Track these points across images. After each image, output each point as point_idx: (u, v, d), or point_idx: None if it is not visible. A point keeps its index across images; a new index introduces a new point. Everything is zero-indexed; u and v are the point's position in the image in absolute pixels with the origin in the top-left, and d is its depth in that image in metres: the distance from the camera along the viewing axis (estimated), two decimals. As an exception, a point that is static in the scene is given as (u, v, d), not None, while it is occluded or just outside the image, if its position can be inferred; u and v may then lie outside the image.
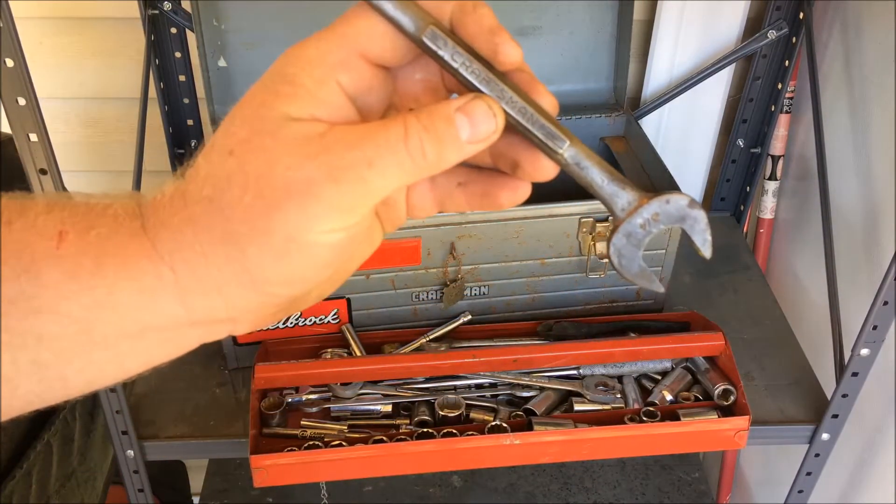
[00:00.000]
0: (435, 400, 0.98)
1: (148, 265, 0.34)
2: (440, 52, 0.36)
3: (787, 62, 1.21)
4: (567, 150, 0.38)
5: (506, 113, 0.37)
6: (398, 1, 0.36)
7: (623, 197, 0.40)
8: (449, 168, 0.37)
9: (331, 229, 0.34)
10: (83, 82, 1.29)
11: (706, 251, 0.41)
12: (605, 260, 1.02)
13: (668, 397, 0.99)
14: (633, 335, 1.04)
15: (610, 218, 0.42)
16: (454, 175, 0.41)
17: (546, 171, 0.39)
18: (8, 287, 0.33)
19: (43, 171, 0.79)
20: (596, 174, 0.39)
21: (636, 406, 0.98)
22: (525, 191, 0.40)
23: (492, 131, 0.36)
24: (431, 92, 0.40)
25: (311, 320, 1.02)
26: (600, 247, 1.01)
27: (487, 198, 0.40)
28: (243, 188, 0.34)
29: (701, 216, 0.41)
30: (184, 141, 1.26)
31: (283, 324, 1.02)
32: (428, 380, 1.00)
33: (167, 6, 1.13)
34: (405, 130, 0.35)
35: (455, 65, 0.36)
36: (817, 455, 1.02)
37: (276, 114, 0.35)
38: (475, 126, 0.35)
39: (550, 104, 0.38)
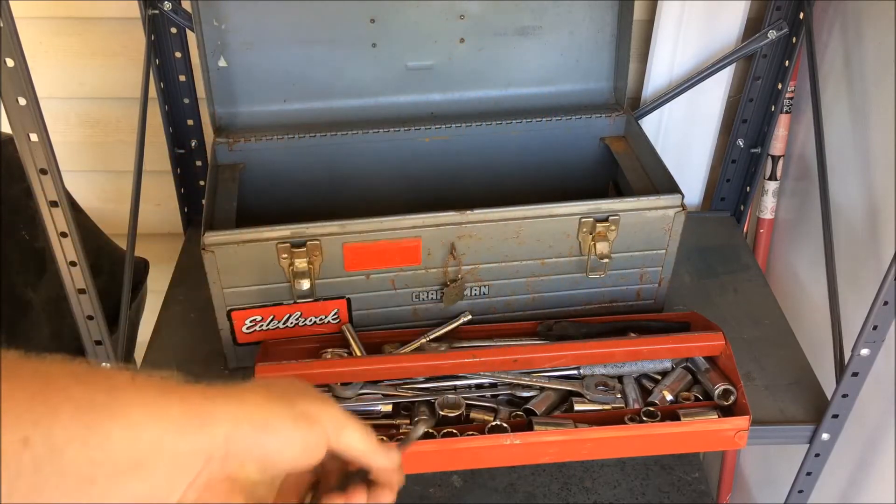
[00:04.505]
0: (435, 400, 0.98)
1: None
2: None
3: (787, 62, 1.21)
4: None
5: None
6: None
7: None
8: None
9: None
10: (83, 82, 1.29)
11: None
12: (605, 260, 1.02)
13: (669, 397, 0.99)
14: (633, 335, 1.04)
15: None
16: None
17: None
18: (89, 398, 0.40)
19: (43, 171, 0.79)
20: None
21: (636, 406, 0.98)
22: None
23: None
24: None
25: (311, 320, 1.02)
26: (600, 247, 1.01)
27: None
28: None
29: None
30: (184, 141, 1.26)
31: (284, 324, 1.02)
32: (428, 380, 1.00)
33: (167, 6, 1.13)
34: None
35: None
36: (817, 455, 1.02)
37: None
38: None
39: None
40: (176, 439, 0.42)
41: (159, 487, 0.42)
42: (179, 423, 0.43)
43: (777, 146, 1.28)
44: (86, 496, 0.38)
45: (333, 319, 1.03)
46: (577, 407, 0.97)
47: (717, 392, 0.96)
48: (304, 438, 0.49)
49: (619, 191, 1.23)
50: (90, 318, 0.95)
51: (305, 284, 0.96)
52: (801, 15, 1.16)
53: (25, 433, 0.36)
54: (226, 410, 0.45)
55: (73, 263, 0.87)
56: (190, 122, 1.24)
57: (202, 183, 1.29)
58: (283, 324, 1.02)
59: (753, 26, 1.23)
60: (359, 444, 0.53)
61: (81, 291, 0.92)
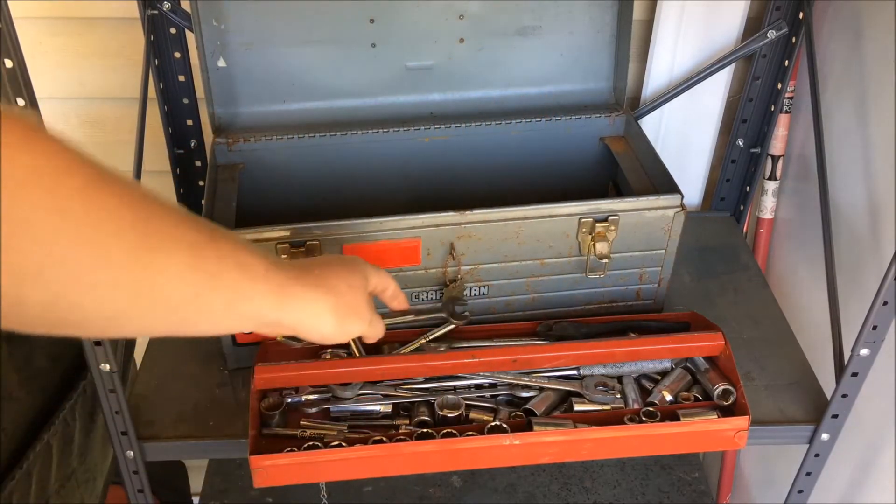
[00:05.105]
0: (435, 400, 0.98)
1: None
2: None
3: (787, 62, 1.21)
4: None
5: None
6: None
7: None
8: None
9: None
10: (83, 82, 1.29)
11: None
12: (605, 260, 1.02)
13: (668, 397, 0.99)
14: (633, 335, 1.04)
15: None
16: None
17: None
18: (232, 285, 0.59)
19: (43, 172, 0.79)
20: None
21: (636, 406, 0.98)
22: None
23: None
24: None
25: (310, 320, 1.02)
26: (600, 247, 1.01)
27: None
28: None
29: None
30: (184, 141, 1.26)
31: (283, 324, 1.01)
32: (428, 380, 1.00)
33: (167, 6, 1.13)
34: None
35: None
36: (817, 455, 1.02)
37: None
38: None
39: None
40: (260, 314, 0.62)
41: (232, 326, 0.62)
42: (269, 309, 0.63)
43: (777, 146, 1.28)
44: (204, 321, 0.58)
45: (333, 319, 1.03)
46: (577, 407, 0.98)
47: (716, 392, 0.96)
48: (330, 339, 0.71)
49: (619, 191, 1.23)
50: (90, 318, 0.95)
51: (305, 284, 0.96)
52: (801, 15, 1.16)
53: (198, 291, 0.55)
54: (298, 316, 0.66)
55: (72, 263, 0.87)
56: (189, 122, 1.24)
57: (202, 183, 1.29)
58: (283, 324, 1.01)
59: (753, 26, 1.23)
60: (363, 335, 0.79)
61: (81, 291, 0.92)
